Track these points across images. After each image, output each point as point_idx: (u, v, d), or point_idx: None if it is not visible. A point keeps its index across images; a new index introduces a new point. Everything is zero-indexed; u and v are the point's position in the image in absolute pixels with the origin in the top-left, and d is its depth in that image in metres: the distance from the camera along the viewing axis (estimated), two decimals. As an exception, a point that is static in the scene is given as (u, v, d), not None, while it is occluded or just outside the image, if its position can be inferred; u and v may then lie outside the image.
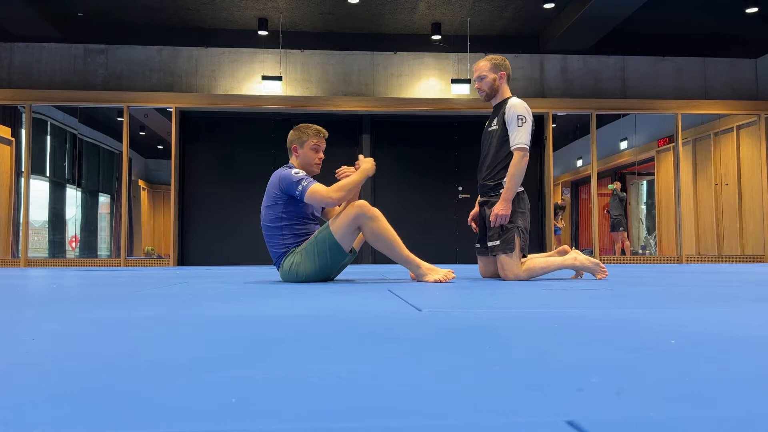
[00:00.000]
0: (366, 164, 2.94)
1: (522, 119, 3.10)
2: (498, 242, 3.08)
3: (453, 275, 2.89)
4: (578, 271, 3.22)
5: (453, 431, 0.52)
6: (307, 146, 3.02)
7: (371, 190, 7.93)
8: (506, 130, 3.15)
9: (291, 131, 3.08)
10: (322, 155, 3.06)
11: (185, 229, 7.87)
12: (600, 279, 3.06)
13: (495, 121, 3.23)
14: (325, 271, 2.92)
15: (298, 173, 2.89)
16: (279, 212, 2.92)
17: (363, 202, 2.85)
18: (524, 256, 3.14)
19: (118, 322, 1.33)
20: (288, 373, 0.76)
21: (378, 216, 2.84)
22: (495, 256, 3.13)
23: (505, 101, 3.23)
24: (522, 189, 3.18)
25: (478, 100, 7.62)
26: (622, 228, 8.79)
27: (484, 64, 3.27)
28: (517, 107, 3.13)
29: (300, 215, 2.95)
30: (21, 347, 1.00)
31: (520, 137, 3.09)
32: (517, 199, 3.13)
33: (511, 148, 3.11)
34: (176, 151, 7.58)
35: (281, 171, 2.95)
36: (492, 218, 3.08)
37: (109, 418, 0.56)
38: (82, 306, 1.75)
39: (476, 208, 3.38)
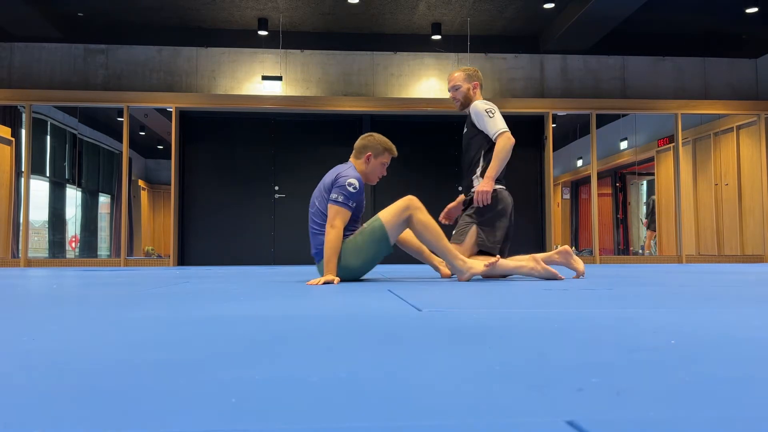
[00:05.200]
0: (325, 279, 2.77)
1: (489, 111, 3.18)
2: (453, 232, 3.16)
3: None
4: (578, 272, 3.20)
5: (453, 431, 0.52)
6: (380, 160, 3.06)
7: (371, 190, 7.93)
8: (476, 131, 3.24)
9: (368, 138, 3.06)
10: (385, 172, 3.13)
11: (185, 229, 7.87)
12: (575, 278, 3.07)
13: (466, 125, 3.37)
14: (369, 264, 2.97)
15: (352, 186, 2.87)
16: None
17: (411, 196, 2.93)
18: (496, 255, 3.09)
19: (117, 322, 1.33)
20: (288, 373, 0.76)
21: (424, 209, 2.92)
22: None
23: (472, 105, 3.32)
24: (500, 186, 3.22)
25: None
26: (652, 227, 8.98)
27: (458, 74, 3.37)
28: (479, 105, 3.22)
29: (352, 219, 2.96)
30: (21, 347, 1.00)
31: (495, 125, 3.15)
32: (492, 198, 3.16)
33: (493, 139, 3.17)
34: (176, 151, 7.58)
35: (341, 170, 2.95)
36: (476, 197, 3.11)
37: (109, 418, 0.56)
38: (82, 306, 1.75)
39: (454, 203, 3.46)
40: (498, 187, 3.19)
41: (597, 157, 7.86)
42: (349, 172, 2.95)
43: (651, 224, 9.04)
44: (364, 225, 2.98)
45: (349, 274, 2.95)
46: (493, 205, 3.14)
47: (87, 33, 7.57)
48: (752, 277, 3.46)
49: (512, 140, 3.12)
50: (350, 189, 2.87)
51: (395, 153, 3.10)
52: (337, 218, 2.83)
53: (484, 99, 3.36)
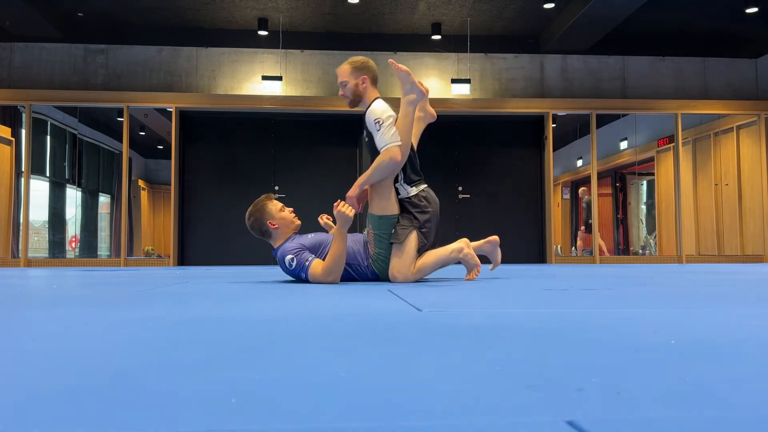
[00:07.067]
0: (340, 219, 2.75)
1: (378, 122, 2.88)
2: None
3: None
4: (494, 264, 3.21)
5: (453, 431, 0.52)
6: (276, 214, 2.99)
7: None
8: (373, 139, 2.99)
9: (251, 218, 3.01)
10: (290, 208, 3.07)
11: (185, 229, 7.87)
12: (468, 279, 3.01)
13: (365, 132, 3.08)
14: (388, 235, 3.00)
15: (292, 258, 2.85)
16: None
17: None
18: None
19: (118, 323, 1.33)
20: (288, 373, 0.76)
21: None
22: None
23: (368, 108, 3.04)
24: (425, 185, 3.05)
25: (478, 100, 7.62)
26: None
27: (345, 68, 3.03)
28: (372, 112, 2.93)
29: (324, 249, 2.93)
30: (21, 348, 1.00)
31: (383, 139, 2.88)
32: (410, 202, 2.99)
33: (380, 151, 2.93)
34: (176, 151, 7.58)
35: (278, 254, 2.93)
36: (342, 205, 2.85)
37: (110, 418, 0.56)
38: (82, 306, 1.75)
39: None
40: (424, 186, 3.04)
41: (597, 157, 7.86)
42: (280, 251, 2.93)
43: (588, 229, 8.62)
44: (369, 229, 2.96)
45: (388, 255, 2.94)
46: (427, 207, 3.01)
47: (87, 33, 7.57)
48: (752, 277, 3.46)
49: (397, 158, 2.85)
50: (292, 262, 2.84)
51: (269, 195, 3.08)
52: (316, 274, 2.79)
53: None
